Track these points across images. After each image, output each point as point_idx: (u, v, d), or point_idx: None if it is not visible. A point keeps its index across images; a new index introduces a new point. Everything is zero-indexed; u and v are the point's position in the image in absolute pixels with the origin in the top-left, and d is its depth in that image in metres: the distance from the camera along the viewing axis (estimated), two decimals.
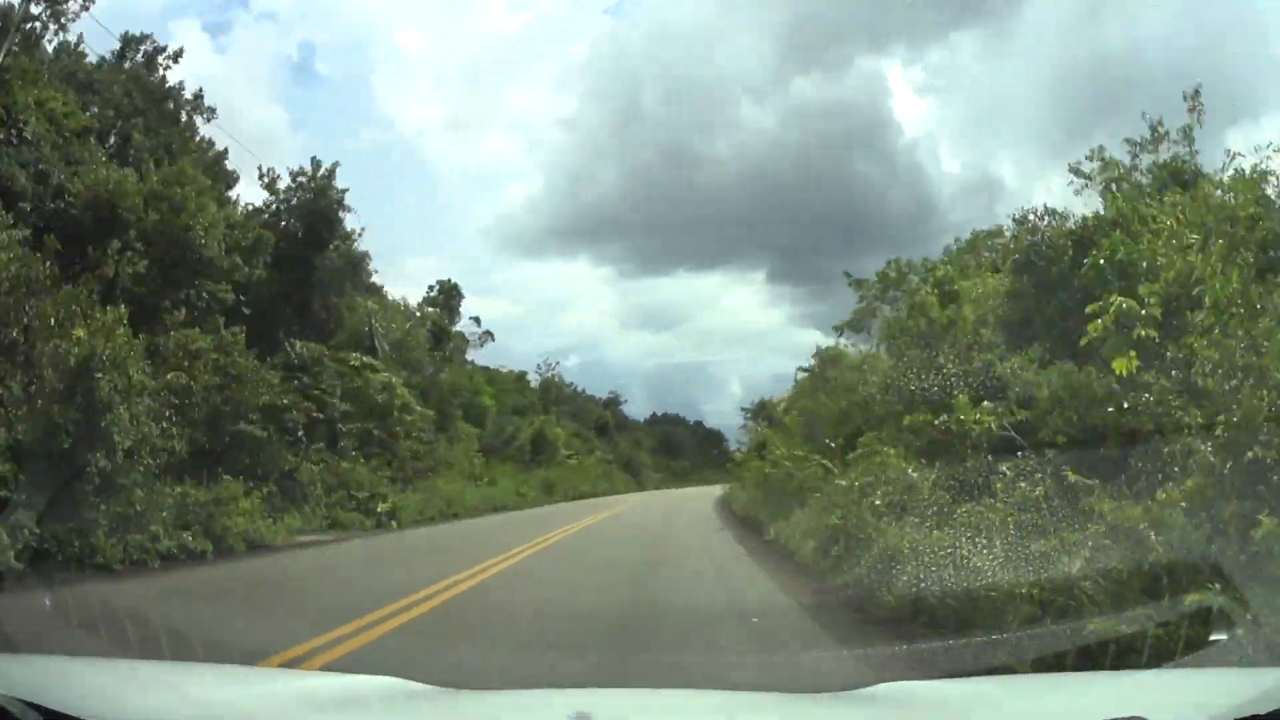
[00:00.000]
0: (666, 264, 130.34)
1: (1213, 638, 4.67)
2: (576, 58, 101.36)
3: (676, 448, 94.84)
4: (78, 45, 23.85)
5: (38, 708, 2.12)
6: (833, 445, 14.48)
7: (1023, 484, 8.15)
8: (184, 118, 27.82)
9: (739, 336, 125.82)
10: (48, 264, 12.45)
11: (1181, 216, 10.01)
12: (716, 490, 43.44)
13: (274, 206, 28.40)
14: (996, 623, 6.22)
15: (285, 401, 19.57)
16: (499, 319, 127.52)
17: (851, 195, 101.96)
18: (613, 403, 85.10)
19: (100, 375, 11.51)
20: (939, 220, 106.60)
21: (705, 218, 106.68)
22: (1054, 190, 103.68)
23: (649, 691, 4.28)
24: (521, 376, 60.96)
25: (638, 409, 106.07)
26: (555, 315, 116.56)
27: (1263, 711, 2.11)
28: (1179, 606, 5.05)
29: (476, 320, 55.61)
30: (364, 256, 32.53)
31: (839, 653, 6.99)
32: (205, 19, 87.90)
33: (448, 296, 49.70)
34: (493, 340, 58.29)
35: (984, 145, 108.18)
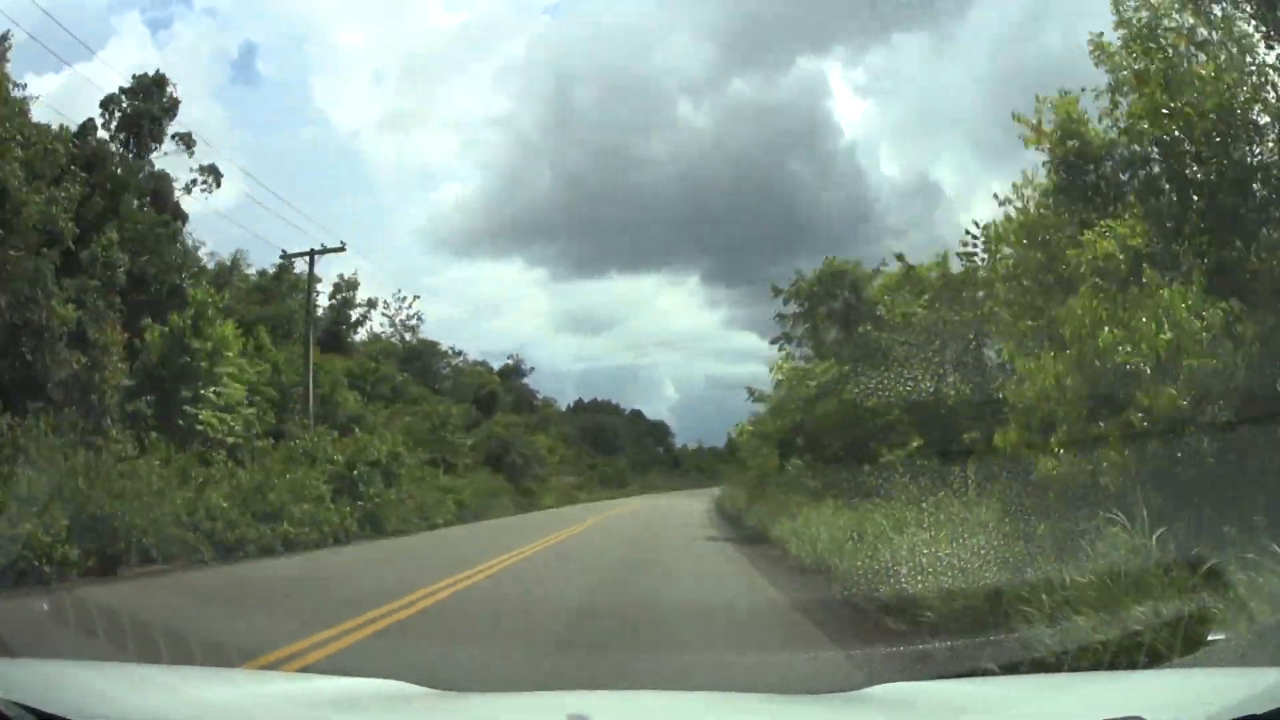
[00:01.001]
0: (600, 266, 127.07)
1: (1211, 637, 4.67)
2: (514, 57, 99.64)
3: (608, 443, 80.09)
4: None
5: (34, 711, 2.12)
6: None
7: None
8: None
9: (673, 340, 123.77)
10: None
11: None
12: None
13: None
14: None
15: None
16: (433, 321, 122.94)
17: (789, 197, 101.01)
18: (513, 371, 65.12)
19: None
20: (876, 223, 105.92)
21: (640, 219, 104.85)
22: (1001, 191, 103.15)
23: (645, 693, 4.28)
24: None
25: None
26: (489, 318, 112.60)
27: (1261, 711, 2.11)
28: (1177, 606, 5.06)
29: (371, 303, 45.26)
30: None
31: None
32: (147, 15, 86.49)
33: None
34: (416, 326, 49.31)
35: (924, 149, 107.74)
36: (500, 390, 55.84)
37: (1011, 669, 5.11)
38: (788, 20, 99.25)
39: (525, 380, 67.12)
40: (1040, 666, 5.12)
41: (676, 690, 4.76)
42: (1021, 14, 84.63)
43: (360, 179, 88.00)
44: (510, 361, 66.12)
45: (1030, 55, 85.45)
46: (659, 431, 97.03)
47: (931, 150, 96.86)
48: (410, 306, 50.66)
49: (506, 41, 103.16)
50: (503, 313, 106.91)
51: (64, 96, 57.94)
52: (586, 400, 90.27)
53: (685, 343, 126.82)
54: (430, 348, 50.55)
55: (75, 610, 7.39)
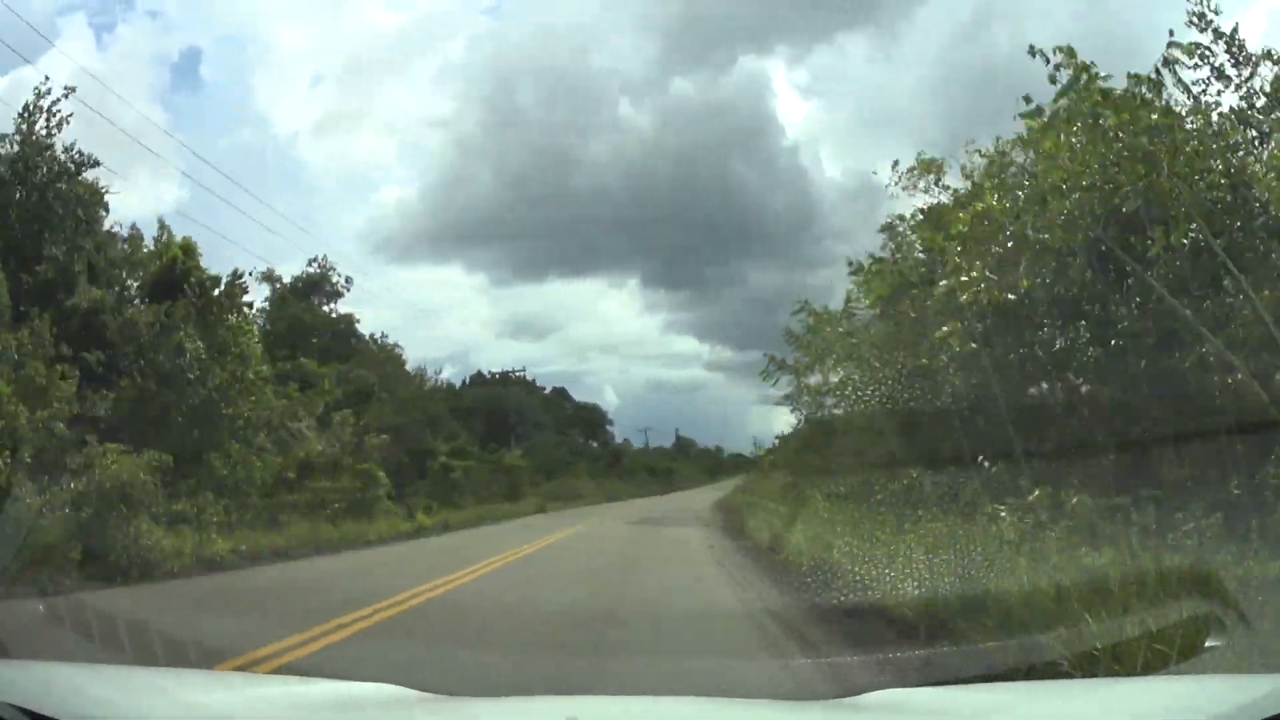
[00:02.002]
0: (540, 270, 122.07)
1: (1206, 644, 4.68)
2: (454, 58, 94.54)
3: (500, 424, 52.35)
4: None
5: (28, 713, 2.11)
6: None
7: None
8: None
9: (612, 344, 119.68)
10: None
11: None
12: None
13: None
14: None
15: None
16: (371, 327, 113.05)
17: (731, 199, 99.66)
18: (347, 322, 41.51)
19: None
20: (820, 225, 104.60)
21: (580, 222, 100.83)
22: (935, 197, 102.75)
23: (639, 699, 4.27)
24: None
25: None
26: (429, 324, 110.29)
27: (1258, 719, 2.11)
28: (1172, 613, 5.07)
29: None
30: None
31: None
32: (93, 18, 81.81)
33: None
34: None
35: (868, 150, 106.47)
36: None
37: (1007, 676, 5.12)
38: (730, 18, 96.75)
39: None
40: (1035, 674, 5.12)
41: (671, 695, 4.74)
42: (969, 15, 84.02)
43: (300, 182, 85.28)
44: (315, 269, 41.57)
45: (975, 57, 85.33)
46: (591, 417, 76.25)
47: (876, 151, 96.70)
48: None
49: (446, 42, 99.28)
50: (443, 318, 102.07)
51: None
52: (488, 374, 64.29)
53: (625, 347, 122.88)
54: None
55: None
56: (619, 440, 79.20)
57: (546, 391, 72.07)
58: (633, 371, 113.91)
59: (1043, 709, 2.93)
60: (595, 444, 74.91)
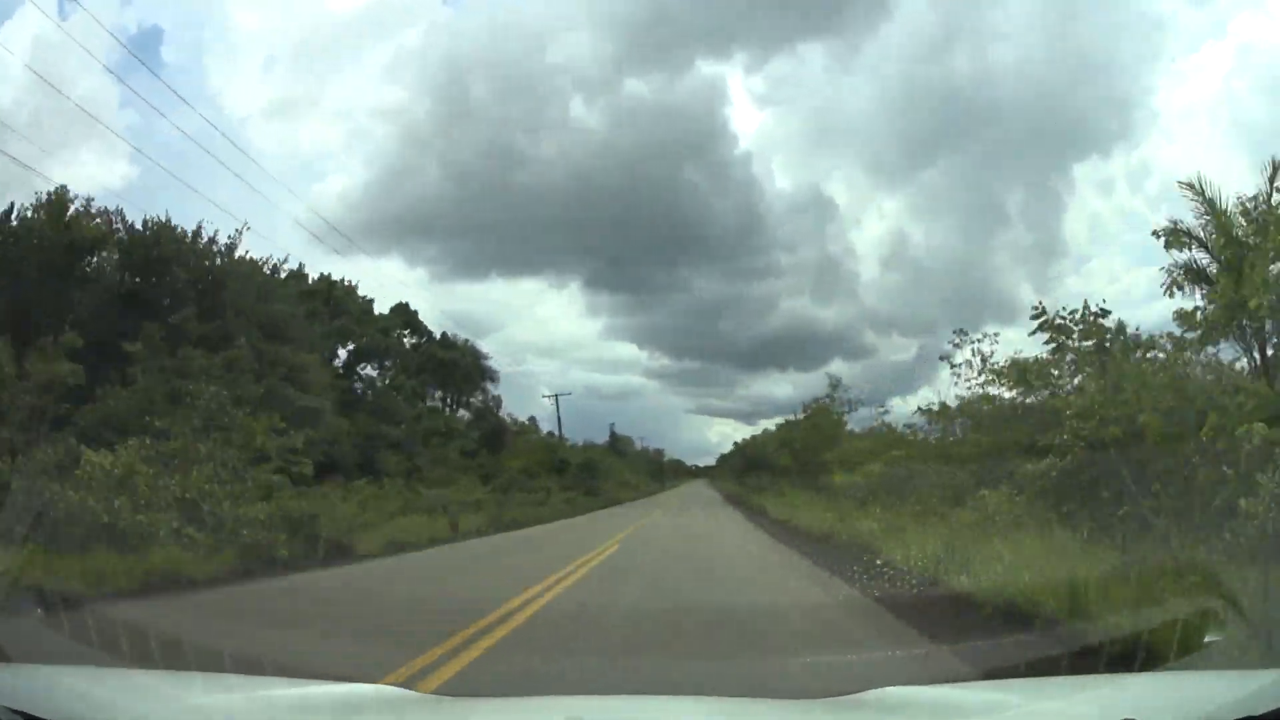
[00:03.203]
0: (482, 268, 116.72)
1: (1206, 639, 4.68)
2: (409, 47, 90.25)
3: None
4: None
5: (28, 717, 2.11)
6: None
7: None
8: None
9: (551, 348, 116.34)
10: None
11: None
12: None
13: None
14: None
15: None
16: None
17: (679, 205, 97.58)
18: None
19: None
20: (767, 236, 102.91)
21: (524, 220, 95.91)
22: (885, 214, 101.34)
23: (643, 698, 4.26)
24: None
25: None
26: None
27: (1256, 713, 2.11)
28: (1173, 608, 5.07)
29: None
30: None
31: None
32: None
33: None
34: None
35: (820, 163, 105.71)
36: None
37: (1009, 673, 5.11)
38: (691, 20, 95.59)
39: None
40: (1036, 670, 5.12)
41: (677, 695, 4.74)
42: (932, 32, 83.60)
43: (246, 168, 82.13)
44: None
45: (935, 77, 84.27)
46: (460, 362, 47.63)
47: (828, 164, 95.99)
48: None
49: (402, 30, 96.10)
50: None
51: None
52: None
53: (564, 350, 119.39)
54: None
55: None
56: (514, 414, 53.95)
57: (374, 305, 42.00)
58: (572, 376, 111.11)
59: (1044, 706, 2.93)
60: (459, 409, 48.30)
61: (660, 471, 76.86)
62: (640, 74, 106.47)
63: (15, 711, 2.13)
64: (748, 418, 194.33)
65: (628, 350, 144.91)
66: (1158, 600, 5.90)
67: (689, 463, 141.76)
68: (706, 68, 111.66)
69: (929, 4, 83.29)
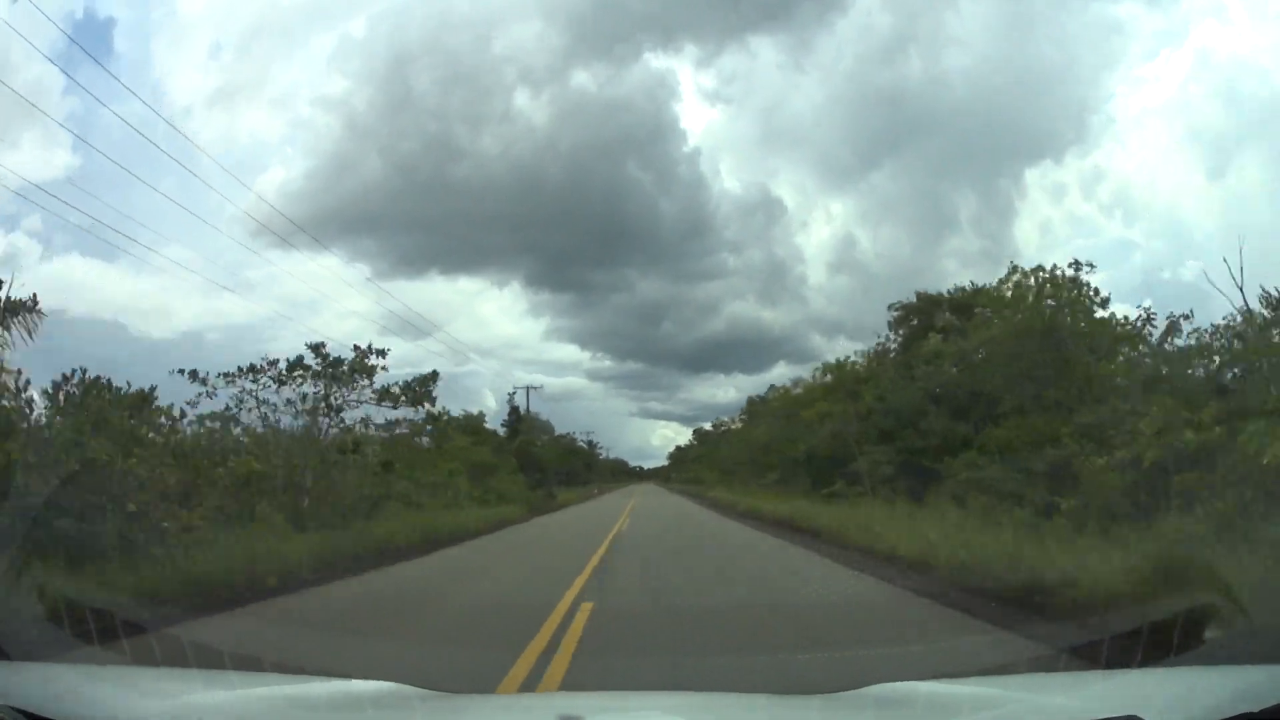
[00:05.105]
0: (422, 265, 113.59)
1: (1207, 635, 4.69)
2: (353, 36, 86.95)
3: None
4: None
5: (28, 714, 2.11)
6: None
7: None
8: None
9: (493, 347, 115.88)
10: None
11: None
12: None
13: None
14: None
15: None
16: (240, 321, 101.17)
17: (624, 203, 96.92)
18: None
19: None
20: (714, 237, 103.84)
21: (466, 216, 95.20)
22: (834, 217, 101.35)
23: (638, 694, 4.27)
24: None
25: None
26: (306, 316, 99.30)
27: (1255, 709, 2.11)
28: (1173, 605, 5.07)
29: None
30: None
31: None
32: None
33: None
34: None
35: (769, 162, 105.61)
36: None
37: (1008, 668, 5.12)
38: (641, 9, 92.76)
39: None
40: (1037, 665, 5.13)
41: (672, 691, 4.74)
42: (886, 33, 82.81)
43: (186, 158, 77.97)
44: None
45: (887, 78, 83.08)
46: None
47: (777, 164, 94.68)
48: None
49: (348, 19, 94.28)
50: (320, 310, 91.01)
51: None
52: None
53: (506, 350, 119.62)
54: None
55: None
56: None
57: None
58: (514, 376, 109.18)
59: (1042, 701, 2.93)
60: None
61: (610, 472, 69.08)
62: (586, 66, 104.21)
63: (17, 710, 2.13)
64: (690, 421, 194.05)
65: (570, 351, 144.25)
66: None
67: (632, 463, 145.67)
68: (655, 60, 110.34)
69: (882, 4, 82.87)
